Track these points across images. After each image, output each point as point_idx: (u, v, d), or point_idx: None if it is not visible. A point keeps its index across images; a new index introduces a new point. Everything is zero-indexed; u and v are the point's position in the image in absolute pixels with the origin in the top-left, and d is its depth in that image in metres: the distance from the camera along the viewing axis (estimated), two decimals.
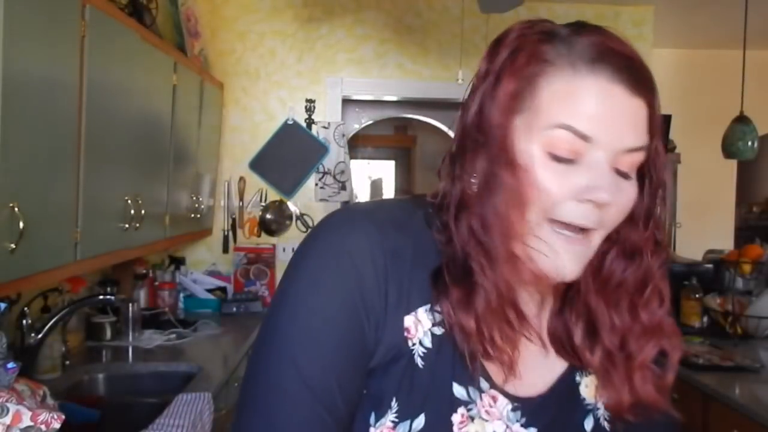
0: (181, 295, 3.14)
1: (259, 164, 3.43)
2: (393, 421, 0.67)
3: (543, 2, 3.62)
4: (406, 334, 0.68)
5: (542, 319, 0.76)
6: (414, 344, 0.68)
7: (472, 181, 0.68)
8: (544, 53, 0.66)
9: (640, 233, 0.70)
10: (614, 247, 0.71)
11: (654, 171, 0.69)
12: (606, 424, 0.76)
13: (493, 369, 0.70)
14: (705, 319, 2.91)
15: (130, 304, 2.63)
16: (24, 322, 1.93)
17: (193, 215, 2.75)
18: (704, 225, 4.57)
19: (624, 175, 0.66)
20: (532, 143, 0.65)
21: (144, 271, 2.87)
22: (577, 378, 0.76)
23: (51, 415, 1.15)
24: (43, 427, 1.14)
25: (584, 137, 0.63)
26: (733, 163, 4.67)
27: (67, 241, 1.54)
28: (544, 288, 0.74)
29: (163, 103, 2.29)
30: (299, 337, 0.66)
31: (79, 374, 2.18)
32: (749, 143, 2.93)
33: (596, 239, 0.67)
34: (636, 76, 0.64)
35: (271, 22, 3.54)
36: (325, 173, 3.47)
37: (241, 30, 3.53)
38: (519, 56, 0.66)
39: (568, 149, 0.64)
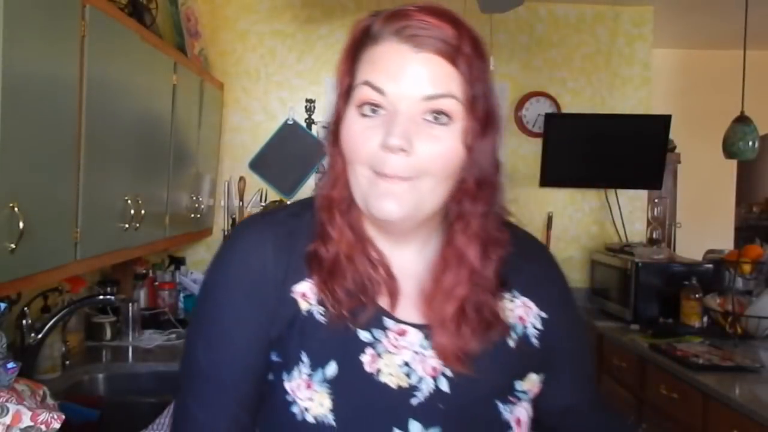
0: (181, 295, 3.13)
1: (259, 164, 3.43)
2: (308, 374, 0.77)
3: (543, 2, 3.62)
4: (300, 298, 0.80)
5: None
6: (312, 304, 0.80)
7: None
8: (363, 33, 0.78)
9: (471, 176, 0.78)
10: (461, 193, 0.80)
11: (473, 117, 0.76)
12: (535, 341, 0.86)
13: (400, 307, 0.81)
14: (705, 319, 2.91)
15: (130, 304, 2.63)
16: (24, 322, 1.93)
17: (193, 215, 2.75)
18: (704, 225, 4.57)
19: (442, 123, 0.75)
20: (351, 107, 0.77)
21: (144, 271, 2.87)
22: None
23: (51, 415, 1.15)
24: (43, 427, 1.14)
25: (378, 89, 0.74)
26: (733, 163, 4.67)
27: (67, 241, 1.54)
28: (421, 234, 0.84)
29: (163, 103, 2.29)
30: (206, 333, 0.82)
31: (79, 374, 2.18)
32: (750, 143, 2.94)
33: (425, 185, 0.75)
34: (424, 34, 0.73)
35: (271, 22, 3.54)
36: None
37: (241, 30, 3.53)
38: (349, 42, 0.79)
39: (369, 102, 0.75)
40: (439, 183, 0.76)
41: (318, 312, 0.79)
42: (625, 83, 3.77)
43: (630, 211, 3.79)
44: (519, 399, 0.83)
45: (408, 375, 0.78)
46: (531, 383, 0.84)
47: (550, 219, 3.68)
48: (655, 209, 3.64)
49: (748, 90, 2.93)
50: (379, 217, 0.76)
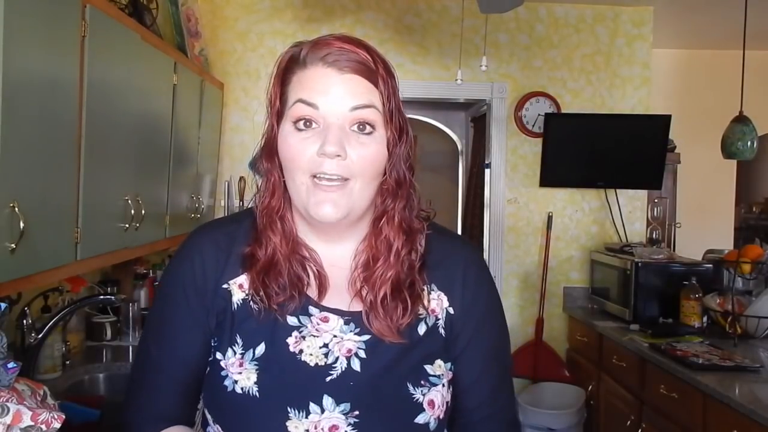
0: None
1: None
2: (241, 353, 0.91)
3: (543, 2, 3.62)
4: (237, 289, 0.93)
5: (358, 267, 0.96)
6: (248, 294, 0.92)
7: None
8: (291, 61, 0.91)
9: (391, 177, 0.91)
10: (384, 193, 0.93)
11: (392, 128, 0.90)
12: (442, 331, 0.96)
13: (328, 296, 0.94)
14: (705, 319, 2.91)
15: (131, 304, 2.63)
16: (24, 322, 1.93)
17: (193, 215, 2.75)
18: (704, 225, 4.57)
19: (367, 133, 0.88)
20: (286, 123, 0.89)
21: (144, 271, 2.87)
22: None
23: (51, 414, 1.15)
24: (43, 426, 1.14)
25: (311, 104, 0.87)
26: (732, 163, 4.67)
27: (67, 241, 1.54)
28: (349, 238, 0.96)
29: (164, 103, 2.29)
30: (151, 329, 0.99)
31: (79, 374, 2.18)
32: (749, 143, 2.94)
33: (356, 186, 0.88)
34: (344, 59, 0.87)
35: (271, 22, 3.54)
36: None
37: (242, 30, 3.53)
38: (278, 69, 0.92)
39: (303, 117, 0.87)
40: (367, 184, 0.89)
41: (254, 301, 0.92)
42: (624, 83, 3.77)
43: (630, 211, 3.79)
44: (432, 384, 0.92)
45: (326, 355, 0.90)
46: (441, 369, 0.94)
47: (550, 219, 3.68)
48: (655, 209, 3.65)
49: (747, 90, 2.93)
50: (319, 221, 0.89)
